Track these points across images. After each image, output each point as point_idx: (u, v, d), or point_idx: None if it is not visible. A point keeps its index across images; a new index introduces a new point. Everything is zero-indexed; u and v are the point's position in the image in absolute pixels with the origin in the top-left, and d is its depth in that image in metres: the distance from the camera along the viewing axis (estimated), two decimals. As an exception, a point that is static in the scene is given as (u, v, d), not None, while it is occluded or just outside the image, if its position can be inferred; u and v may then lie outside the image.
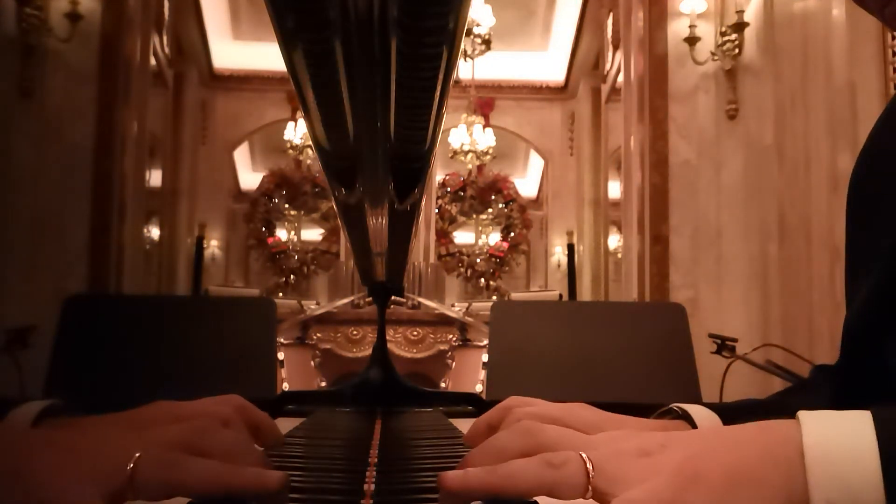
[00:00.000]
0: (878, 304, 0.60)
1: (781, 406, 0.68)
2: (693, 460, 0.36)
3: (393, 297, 1.46)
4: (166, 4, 5.91)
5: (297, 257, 9.03)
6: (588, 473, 0.37)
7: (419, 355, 4.29)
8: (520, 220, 9.29)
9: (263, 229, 9.03)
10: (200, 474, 0.38)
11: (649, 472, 0.36)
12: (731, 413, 0.62)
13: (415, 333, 4.32)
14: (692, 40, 4.37)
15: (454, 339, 4.23)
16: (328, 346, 4.21)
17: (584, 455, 0.38)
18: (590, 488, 0.37)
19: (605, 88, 6.42)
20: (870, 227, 0.64)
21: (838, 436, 0.34)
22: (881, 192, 0.62)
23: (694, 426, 0.60)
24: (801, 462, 0.34)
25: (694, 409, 0.62)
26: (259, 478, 0.38)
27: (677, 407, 0.64)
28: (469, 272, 9.14)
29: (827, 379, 0.72)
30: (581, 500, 0.38)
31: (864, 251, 0.65)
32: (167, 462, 0.38)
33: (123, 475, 0.37)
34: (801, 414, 0.36)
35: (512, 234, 9.28)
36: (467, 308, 6.06)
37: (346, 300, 4.53)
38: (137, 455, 0.37)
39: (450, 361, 4.21)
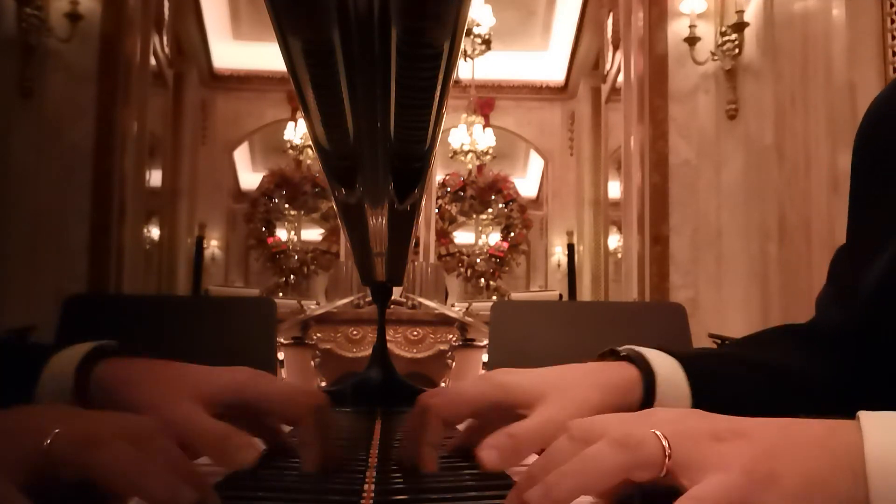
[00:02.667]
0: None
1: (738, 358, 0.66)
2: (767, 459, 0.34)
3: (393, 297, 1.46)
4: (166, 4, 5.91)
5: (297, 257, 9.04)
6: (665, 451, 0.36)
7: (419, 355, 4.29)
8: (520, 220, 9.29)
9: (263, 229, 9.03)
10: (113, 464, 0.35)
11: (721, 462, 0.35)
12: (691, 362, 0.59)
13: (415, 333, 4.32)
14: (692, 40, 4.37)
15: (454, 339, 4.23)
16: (328, 346, 4.21)
17: (658, 433, 0.36)
18: (665, 468, 0.36)
19: (605, 88, 6.42)
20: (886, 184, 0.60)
21: None
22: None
23: (648, 371, 0.57)
24: (864, 473, 0.33)
25: (653, 355, 0.59)
26: (171, 492, 0.35)
27: (630, 349, 0.61)
28: (469, 272, 9.14)
29: (792, 336, 0.70)
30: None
31: (879, 210, 0.61)
32: (83, 441, 0.36)
33: (40, 452, 0.35)
34: (863, 418, 0.35)
35: (512, 234, 9.28)
36: (467, 308, 6.06)
37: (346, 300, 4.52)
38: (56, 431, 0.36)
39: (450, 361, 4.20)
